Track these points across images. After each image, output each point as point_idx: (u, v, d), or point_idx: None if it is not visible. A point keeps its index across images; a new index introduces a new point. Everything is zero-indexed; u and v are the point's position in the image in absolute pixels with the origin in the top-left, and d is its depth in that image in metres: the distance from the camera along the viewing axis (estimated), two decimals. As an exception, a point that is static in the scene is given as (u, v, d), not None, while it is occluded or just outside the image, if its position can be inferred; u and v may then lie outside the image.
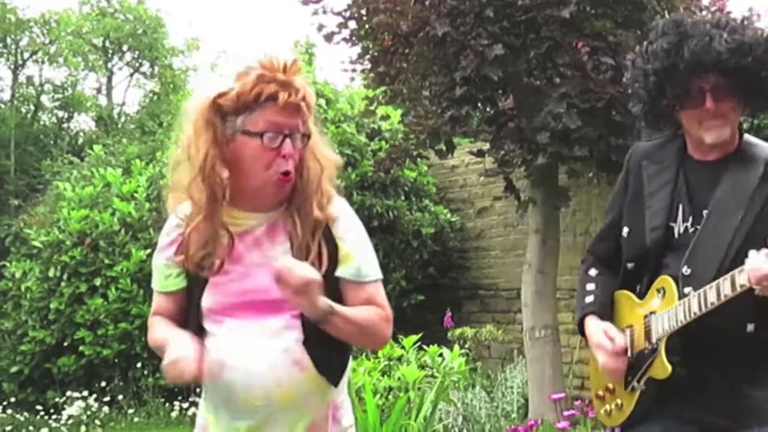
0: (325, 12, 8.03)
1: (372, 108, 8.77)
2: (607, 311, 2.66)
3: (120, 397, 10.57)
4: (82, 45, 20.86)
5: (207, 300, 2.43)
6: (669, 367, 2.44)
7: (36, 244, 11.23)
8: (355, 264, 2.44)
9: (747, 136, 2.55)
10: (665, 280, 2.48)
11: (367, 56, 8.31)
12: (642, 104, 2.56)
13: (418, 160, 9.15)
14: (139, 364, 10.53)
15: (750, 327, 2.41)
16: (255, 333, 2.38)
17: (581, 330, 2.71)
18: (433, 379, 6.98)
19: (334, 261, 2.41)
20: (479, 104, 8.11)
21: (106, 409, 10.45)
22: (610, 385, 2.68)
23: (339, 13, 8.01)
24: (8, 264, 12.02)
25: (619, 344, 2.55)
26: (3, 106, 19.90)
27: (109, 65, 22.04)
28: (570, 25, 7.26)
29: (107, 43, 21.41)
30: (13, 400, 10.97)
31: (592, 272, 2.76)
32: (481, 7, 7.21)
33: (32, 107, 20.66)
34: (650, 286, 2.55)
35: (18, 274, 11.55)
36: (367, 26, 8.00)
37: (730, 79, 2.40)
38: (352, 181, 10.29)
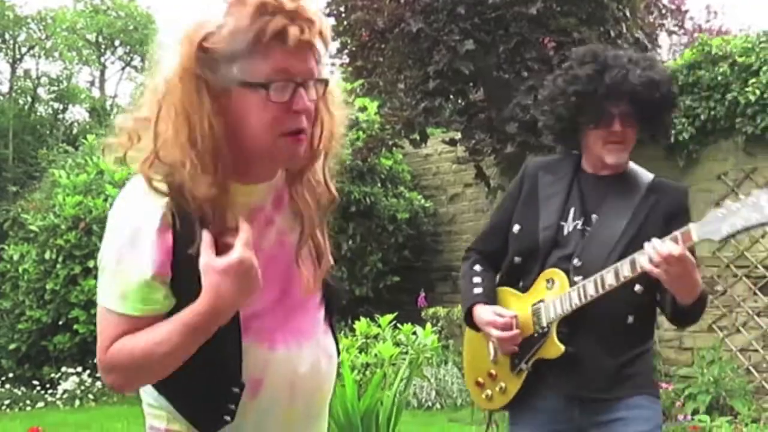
0: (305, 9, 7.98)
1: (350, 100, 8.71)
2: (493, 302, 2.68)
3: (112, 372, 10.48)
4: (77, 40, 20.69)
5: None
6: (562, 347, 2.49)
7: (33, 228, 11.10)
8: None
9: (632, 163, 2.67)
10: (555, 272, 2.54)
11: (346, 51, 8.29)
12: (559, 120, 2.64)
13: (394, 149, 9.12)
14: (130, 342, 10.45)
15: (630, 319, 2.51)
16: (287, 333, 1.74)
17: (469, 320, 2.69)
18: (407, 356, 6.93)
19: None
20: (451, 96, 8.08)
21: (99, 384, 10.36)
22: (493, 371, 2.69)
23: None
24: (6, 247, 11.89)
25: (509, 315, 2.57)
26: (2, 98, 19.71)
27: (102, 59, 21.89)
28: (537, 22, 7.27)
29: (100, 39, 21.25)
30: (11, 375, 10.89)
31: (477, 267, 2.77)
32: (453, 5, 7.21)
33: (29, 99, 20.46)
34: (536, 279, 2.59)
35: (16, 257, 11.43)
36: (345, 23, 7.96)
37: (636, 109, 2.53)
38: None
